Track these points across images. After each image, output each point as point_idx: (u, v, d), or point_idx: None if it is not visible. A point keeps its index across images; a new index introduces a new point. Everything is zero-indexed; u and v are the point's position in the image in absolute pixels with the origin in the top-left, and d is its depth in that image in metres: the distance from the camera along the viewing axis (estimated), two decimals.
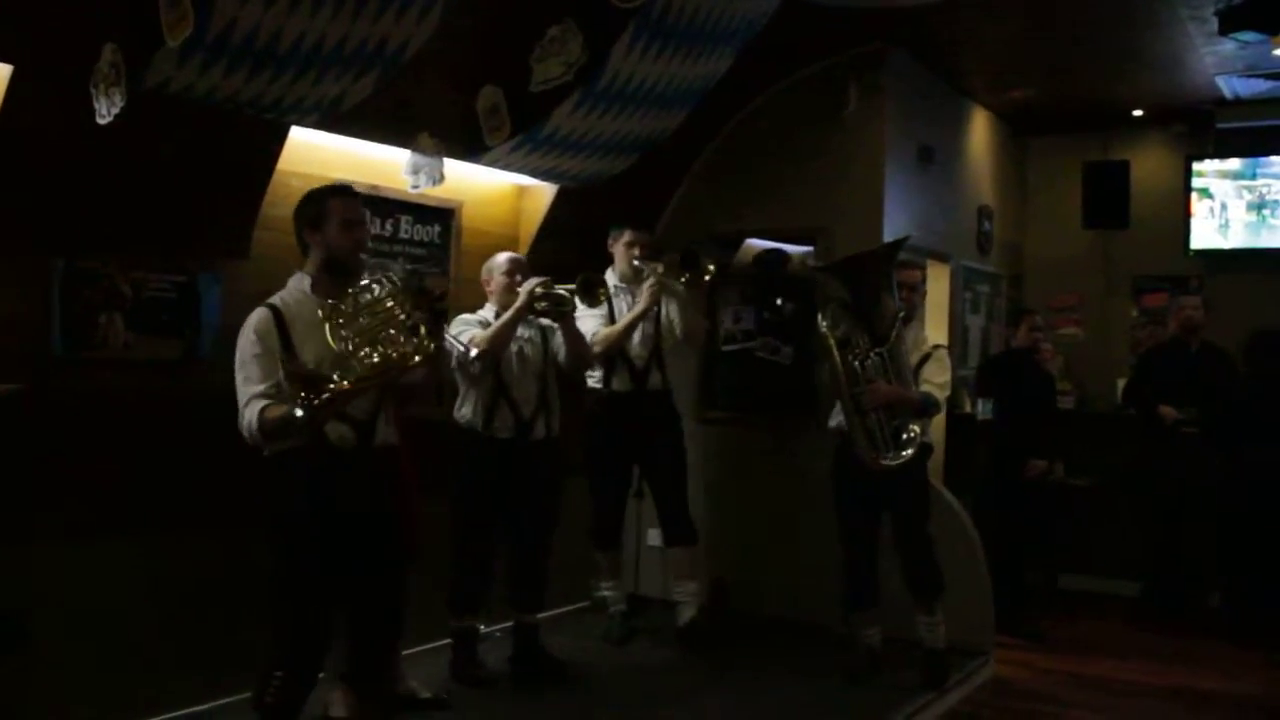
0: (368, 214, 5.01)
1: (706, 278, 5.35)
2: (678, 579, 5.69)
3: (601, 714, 4.76)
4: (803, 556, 6.16)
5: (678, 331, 5.55)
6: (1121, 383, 7.79)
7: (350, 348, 3.38)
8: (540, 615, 5.21)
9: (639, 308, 5.36)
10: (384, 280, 3.52)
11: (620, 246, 5.57)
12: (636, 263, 5.46)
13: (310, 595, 3.54)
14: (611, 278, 5.53)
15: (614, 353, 5.45)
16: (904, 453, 4.99)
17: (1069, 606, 7.20)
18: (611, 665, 5.42)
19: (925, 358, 5.23)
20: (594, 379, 5.56)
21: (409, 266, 4.78)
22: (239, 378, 3.47)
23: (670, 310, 5.53)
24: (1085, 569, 7.68)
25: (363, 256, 3.73)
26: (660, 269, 5.34)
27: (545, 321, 5.04)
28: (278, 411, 3.35)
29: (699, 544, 5.70)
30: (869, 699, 5.03)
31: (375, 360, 3.38)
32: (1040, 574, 7.03)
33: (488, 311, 5.01)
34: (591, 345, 5.34)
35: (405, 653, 5.12)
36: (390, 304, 3.47)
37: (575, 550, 5.68)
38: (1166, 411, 6.86)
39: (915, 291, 5.38)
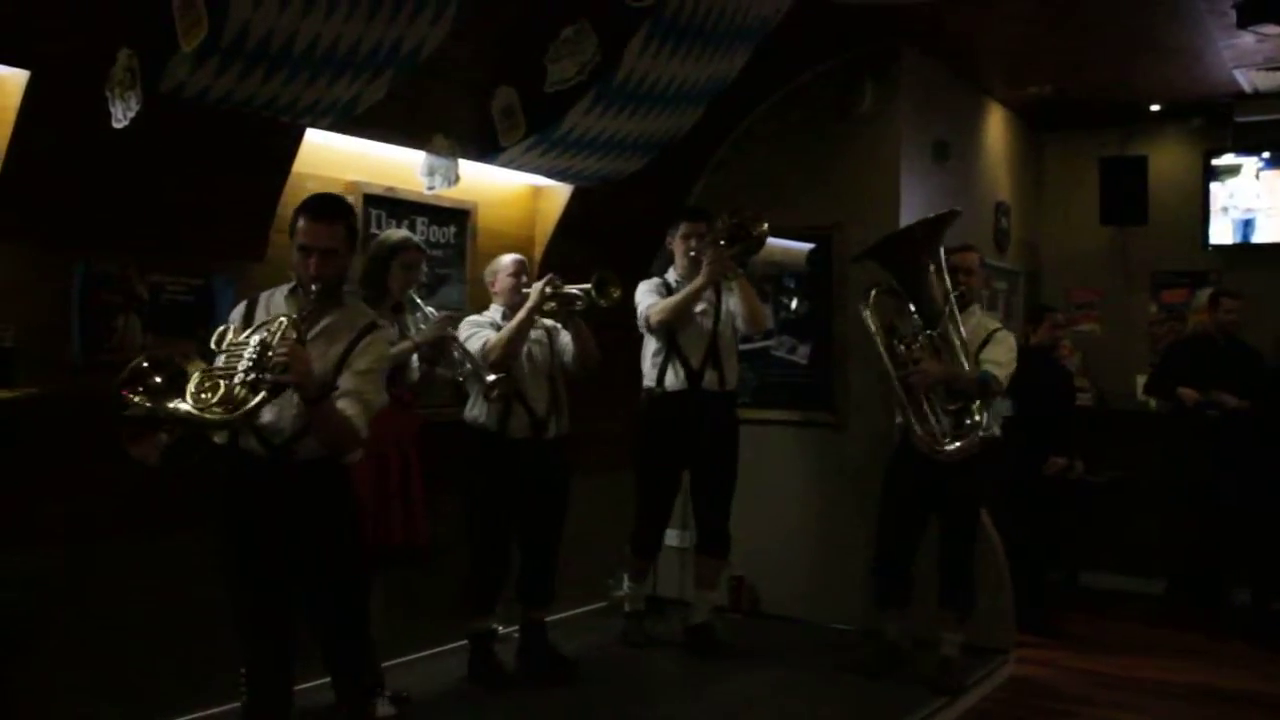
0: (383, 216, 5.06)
1: (763, 240, 5.24)
2: (700, 586, 5.64)
3: (611, 711, 4.77)
4: (820, 556, 6.16)
5: (738, 321, 5.40)
6: (1141, 379, 7.74)
7: (198, 380, 3.15)
8: (555, 616, 5.22)
9: (699, 281, 5.22)
10: (271, 329, 3.22)
11: (677, 240, 5.45)
12: (693, 253, 5.34)
13: (244, 602, 3.44)
14: (672, 275, 5.49)
15: (670, 325, 5.31)
16: (961, 441, 4.84)
17: (1090, 604, 7.16)
18: (625, 664, 5.43)
19: (986, 341, 5.09)
20: (648, 378, 5.46)
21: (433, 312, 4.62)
22: None
23: (729, 301, 5.41)
24: (1105, 566, 7.64)
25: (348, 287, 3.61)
26: (711, 248, 5.19)
27: (549, 321, 5.04)
28: None
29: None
30: (886, 698, 5.02)
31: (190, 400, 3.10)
32: (1060, 572, 7.00)
33: (494, 313, 5.01)
34: (649, 319, 5.32)
35: (421, 655, 5.15)
36: (246, 354, 3.16)
37: (593, 551, 5.68)
38: (1186, 394, 6.78)
39: (972, 275, 5.24)
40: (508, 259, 5.08)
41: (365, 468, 4.04)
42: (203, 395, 3.10)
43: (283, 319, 3.24)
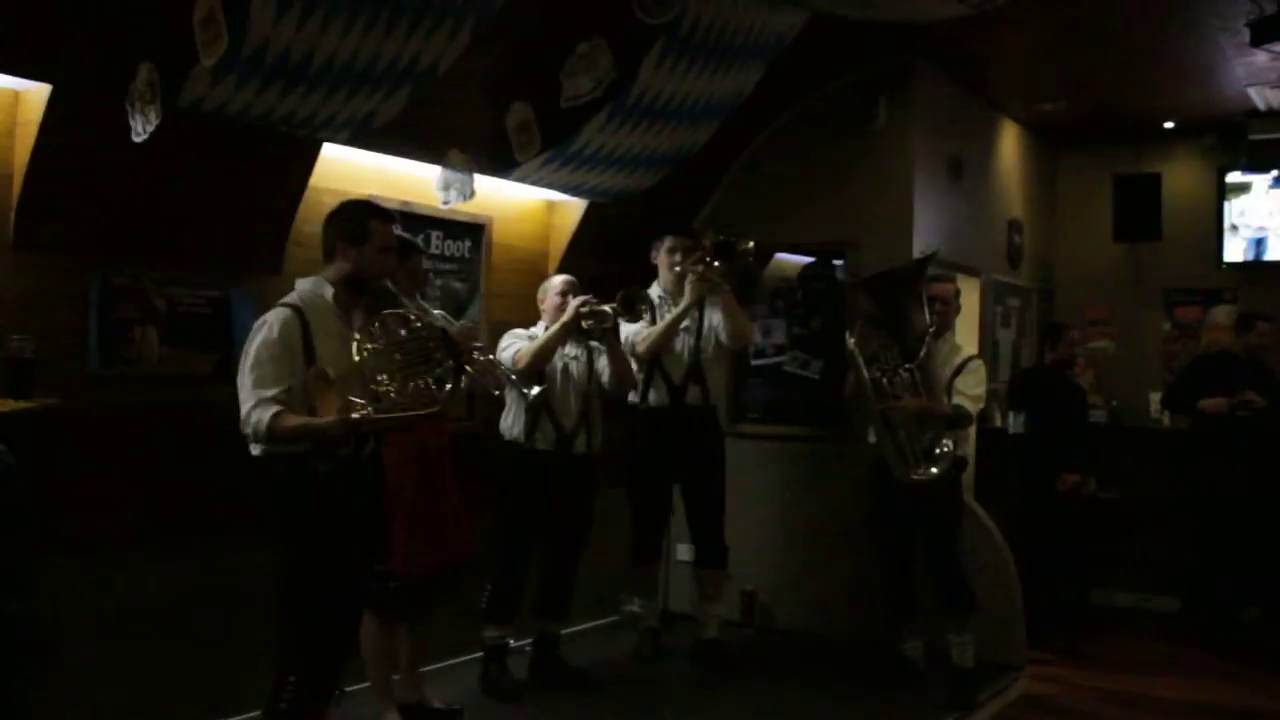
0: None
1: (750, 257, 5.30)
2: (704, 599, 5.65)
3: None
4: (832, 571, 6.15)
5: (722, 336, 5.41)
6: (1155, 395, 7.74)
7: (382, 379, 3.46)
8: (568, 629, 5.24)
9: (683, 304, 5.27)
10: (421, 321, 3.60)
11: (662, 255, 5.49)
12: (678, 269, 5.38)
13: (323, 598, 3.53)
14: (655, 290, 5.51)
15: (656, 353, 5.36)
16: (934, 468, 4.99)
17: (1102, 622, 7.13)
18: (637, 679, 5.43)
19: (959, 369, 5.19)
20: (633, 394, 5.50)
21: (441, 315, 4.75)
22: (250, 376, 3.40)
23: (712, 316, 5.44)
24: (1118, 584, 7.61)
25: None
26: (701, 268, 5.22)
27: (594, 343, 5.10)
28: (295, 421, 3.37)
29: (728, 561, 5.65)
30: (897, 714, 5.03)
31: (396, 395, 3.46)
32: (1074, 589, 6.97)
33: (538, 328, 5.07)
34: (635, 347, 5.34)
35: (437, 666, 5.15)
36: (423, 348, 3.55)
37: (606, 565, 5.69)
38: (1213, 404, 6.67)
39: (948, 305, 5.35)
40: (558, 279, 5.17)
41: (412, 482, 4.14)
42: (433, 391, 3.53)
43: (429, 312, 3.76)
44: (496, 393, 4.80)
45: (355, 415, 3.33)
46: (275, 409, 3.36)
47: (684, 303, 5.27)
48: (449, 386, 3.54)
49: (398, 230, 3.84)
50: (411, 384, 3.48)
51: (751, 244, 5.28)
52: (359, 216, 3.64)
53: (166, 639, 4.24)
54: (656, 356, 5.39)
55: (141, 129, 3.67)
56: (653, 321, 5.38)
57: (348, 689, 3.87)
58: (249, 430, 3.40)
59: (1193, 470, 6.93)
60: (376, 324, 3.53)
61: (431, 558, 4.20)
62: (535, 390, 4.64)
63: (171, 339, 4.28)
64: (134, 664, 4.14)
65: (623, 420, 5.43)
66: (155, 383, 4.25)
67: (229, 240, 4.42)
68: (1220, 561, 6.79)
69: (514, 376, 4.77)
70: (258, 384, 3.38)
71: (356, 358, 3.47)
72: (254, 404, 3.37)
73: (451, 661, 5.32)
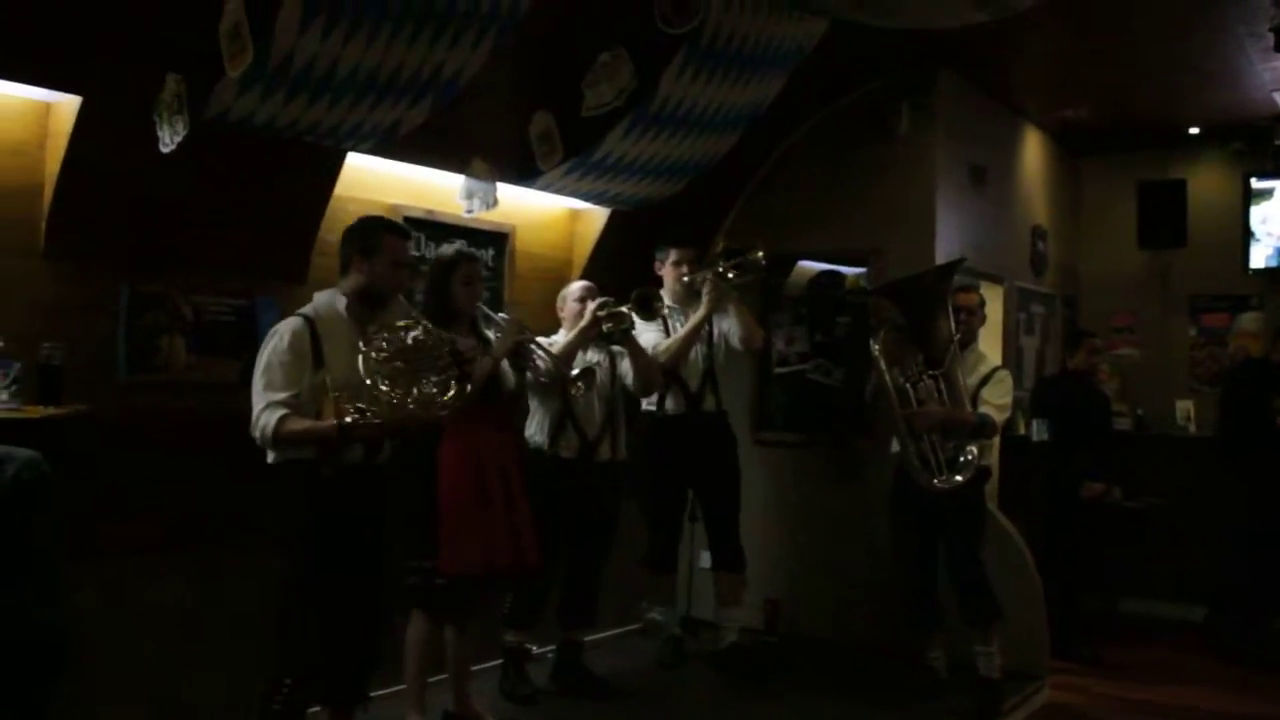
0: (422, 239, 5.14)
1: (761, 261, 5.32)
2: (723, 604, 5.66)
3: None
4: (856, 578, 6.15)
5: (734, 340, 5.44)
6: (1181, 404, 7.70)
7: (384, 386, 3.50)
8: (590, 636, 5.26)
9: (700, 313, 5.30)
10: (424, 329, 3.66)
11: (668, 267, 5.53)
12: (686, 279, 5.42)
13: (322, 603, 3.57)
14: (665, 301, 5.55)
15: (677, 364, 5.38)
16: (958, 476, 4.98)
17: (1127, 631, 7.09)
18: (659, 687, 5.44)
19: (986, 379, 5.22)
20: (648, 402, 5.53)
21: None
22: (259, 381, 3.53)
23: (722, 324, 5.47)
24: (1143, 593, 7.56)
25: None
26: (712, 275, 5.28)
27: (617, 348, 5.12)
28: (300, 425, 3.47)
29: (750, 567, 5.65)
30: None
31: (397, 402, 3.50)
32: (1098, 598, 6.94)
33: (560, 336, 5.08)
34: (654, 359, 5.36)
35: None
36: (428, 356, 3.62)
37: (627, 572, 5.70)
38: None
39: (974, 315, 5.36)
40: (576, 285, 5.18)
41: (464, 486, 4.20)
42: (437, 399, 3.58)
43: (422, 324, 3.69)
44: (543, 380, 4.82)
45: (348, 419, 3.41)
46: (282, 412, 3.47)
47: (700, 312, 5.30)
48: (451, 395, 3.59)
49: (414, 246, 3.93)
50: (414, 390, 3.53)
51: (760, 253, 5.30)
52: (373, 231, 3.76)
53: (192, 644, 4.27)
54: (674, 368, 5.40)
55: (169, 139, 3.73)
56: (666, 329, 5.42)
57: (372, 694, 3.89)
58: (257, 433, 3.52)
59: (1228, 479, 6.88)
60: (379, 332, 3.58)
61: (479, 561, 4.22)
62: (575, 372, 4.74)
63: (198, 347, 4.32)
64: (159, 669, 4.17)
65: (637, 429, 5.44)
66: (182, 390, 4.29)
67: (255, 249, 4.46)
68: (1251, 571, 6.74)
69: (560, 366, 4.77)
70: (267, 388, 3.52)
71: (361, 365, 3.52)
72: (263, 407, 3.50)
73: (475, 667, 5.35)
